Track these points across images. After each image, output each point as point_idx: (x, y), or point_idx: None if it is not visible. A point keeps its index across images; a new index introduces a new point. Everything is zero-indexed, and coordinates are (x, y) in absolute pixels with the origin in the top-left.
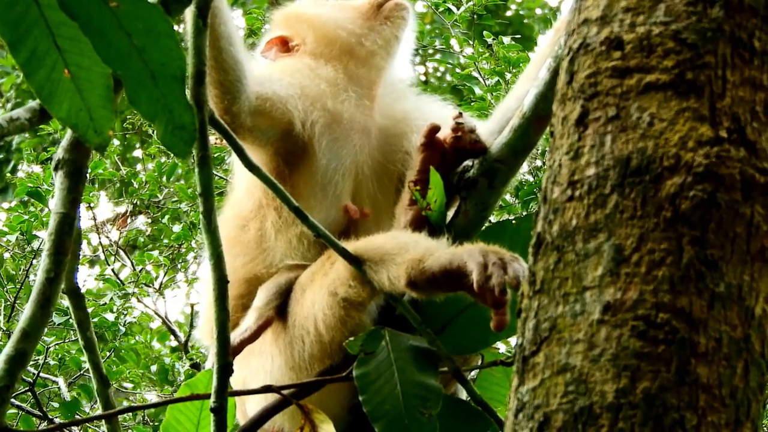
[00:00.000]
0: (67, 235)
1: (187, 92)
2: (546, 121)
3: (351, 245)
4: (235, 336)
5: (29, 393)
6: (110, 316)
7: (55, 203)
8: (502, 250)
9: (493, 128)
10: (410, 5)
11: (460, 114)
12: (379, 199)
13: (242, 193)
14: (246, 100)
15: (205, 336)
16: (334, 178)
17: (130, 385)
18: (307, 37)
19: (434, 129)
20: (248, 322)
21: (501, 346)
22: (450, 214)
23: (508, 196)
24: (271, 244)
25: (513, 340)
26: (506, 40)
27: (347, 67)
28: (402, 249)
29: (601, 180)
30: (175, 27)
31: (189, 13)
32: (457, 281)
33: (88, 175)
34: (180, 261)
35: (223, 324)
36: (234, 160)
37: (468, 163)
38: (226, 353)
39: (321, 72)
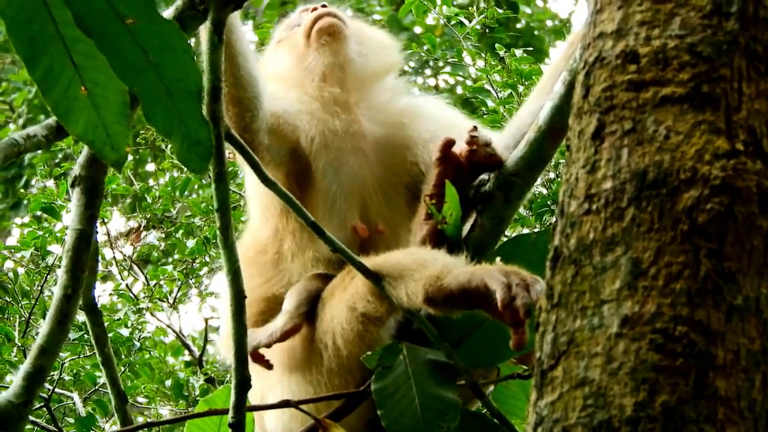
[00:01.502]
0: (84, 251)
1: (203, 108)
2: (561, 134)
3: (370, 261)
4: (263, 335)
5: (44, 409)
6: (125, 331)
7: (71, 219)
8: (522, 271)
9: (508, 142)
10: (337, 22)
11: (475, 128)
12: (391, 214)
13: (258, 220)
14: (264, 118)
15: (224, 351)
16: (337, 200)
17: (144, 400)
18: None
19: (449, 143)
20: (277, 323)
21: None
22: (466, 227)
23: (521, 209)
24: (287, 266)
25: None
26: (518, 52)
27: (317, 88)
28: (420, 265)
29: (618, 193)
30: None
31: (204, 29)
32: (475, 300)
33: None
34: (193, 276)
35: (241, 339)
36: (247, 185)
37: (484, 176)
38: (244, 368)
39: (308, 91)
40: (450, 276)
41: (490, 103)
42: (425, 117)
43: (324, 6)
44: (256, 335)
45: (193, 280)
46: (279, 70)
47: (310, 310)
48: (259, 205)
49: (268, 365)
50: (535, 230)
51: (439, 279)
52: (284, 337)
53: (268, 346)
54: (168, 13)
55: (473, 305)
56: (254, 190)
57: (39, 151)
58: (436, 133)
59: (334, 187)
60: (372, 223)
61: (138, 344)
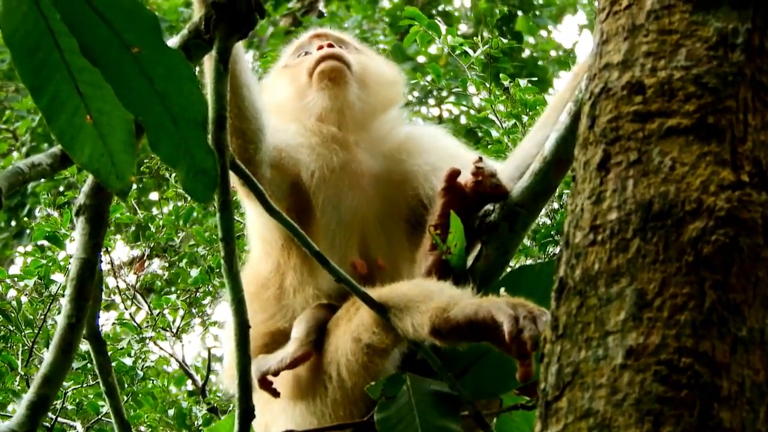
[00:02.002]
0: (89, 280)
1: (209, 137)
2: (566, 165)
3: (375, 292)
4: (272, 361)
5: None
6: (128, 361)
7: (76, 248)
8: (529, 303)
9: (512, 173)
10: (340, 67)
11: (481, 158)
12: (391, 248)
13: (259, 255)
14: (267, 150)
15: (228, 381)
16: (336, 236)
17: (147, 430)
18: (275, 117)
19: (455, 173)
20: (288, 349)
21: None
22: (471, 257)
23: (526, 240)
24: (290, 301)
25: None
26: (522, 82)
27: (317, 127)
28: (426, 297)
29: (623, 224)
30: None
31: (208, 58)
32: (482, 332)
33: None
34: (196, 305)
35: (245, 368)
36: (248, 219)
37: (489, 207)
38: (248, 398)
39: (307, 125)
40: (456, 308)
41: (495, 133)
42: (425, 148)
43: (331, 46)
44: (265, 361)
45: (197, 310)
46: (279, 99)
47: (318, 338)
48: (260, 239)
49: (275, 393)
50: (539, 261)
51: (446, 311)
52: (294, 364)
53: (277, 372)
54: (173, 41)
55: (480, 337)
56: (256, 224)
57: (42, 180)
58: (437, 164)
59: (333, 223)
60: (372, 258)
61: (141, 373)
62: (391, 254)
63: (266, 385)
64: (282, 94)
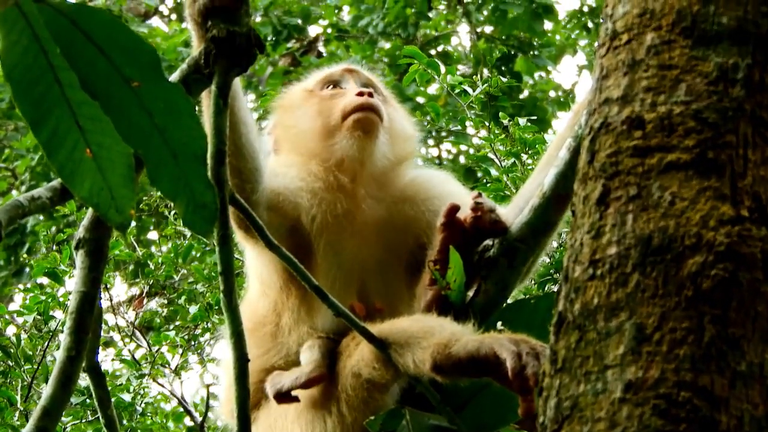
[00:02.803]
0: (88, 313)
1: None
2: (566, 200)
3: (375, 328)
4: (287, 379)
5: None
6: (127, 397)
7: (75, 282)
8: (531, 339)
9: (514, 213)
10: (376, 120)
11: (480, 194)
12: (389, 292)
13: (258, 294)
14: (263, 192)
15: (226, 414)
16: (336, 281)
17: None
18: (286, 141)
19: (454, 209)
20: (304, 369)
21: None
22: (470, 293)
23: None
24: (285, 339)
25: None
26: (522, 121)
27: (328, 169)
28: (427, 333)
29: (623, 259)
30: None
31: (207, 94)
32: (484, 368)
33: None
34: (195, 342)
35: (244, 402)
36: (246, 260)
37: (488, 242)
38: (247, 430)
39: (312, 169)
40: (458, 344)
41: (494, 172)
42: (429, 195)
43: (371, 95)
44: (280, 378)
45: (195, 346)
46: (301, 127)
47: (330, 363)
48: (258, 280)
49: (295, 399)
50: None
51: (447, 347)
52: (309, 384)
53: (291, 390)
54: (173, 76)
55: (482, 373)
56: (255, 265)
57: (42, 219)
58: (440, 210)
59: (333, 268)
60: (370, 301)
61: (140, 409)
62: (389, 297)
63: (284, 399)
64: (306, 124)
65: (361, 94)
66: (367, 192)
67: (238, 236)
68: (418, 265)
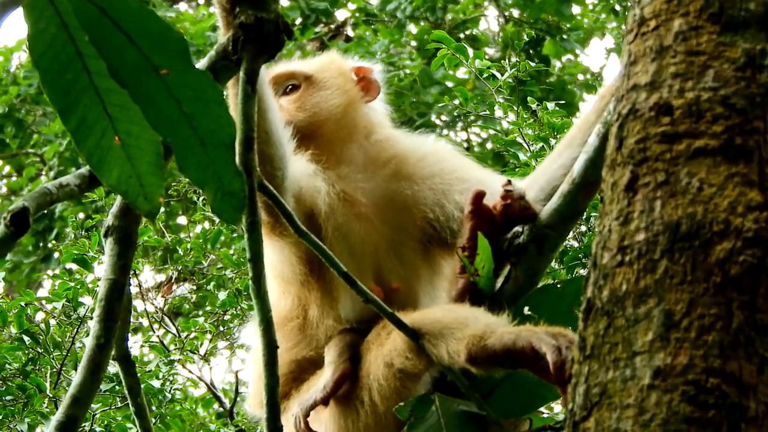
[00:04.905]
0: (117, 301)
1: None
2: (594, 187)
3: (407, 317)
4: (314, 393)
5: None
6: (156, 383)
7: (104, 270)
8: (569, 333)
9: (537, 195)
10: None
11: (509, 181)
12: (405, 270)
13: (278, 294)
14: (291, 179)
15: (254, 406)
16: (350, 265)
17: None
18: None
19: (480, 195)
20: (325, 376)
21: (556, 407)
22: (500, 280)
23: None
24: (314, 331)
25: (555, 405)
26: (550, 105)
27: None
28: (461, 324)
29: (651, 245)
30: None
31: (233, 82)
32: (520, 360)
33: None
34: (224, 328)
35: (273, 389)
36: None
37: (518, 229)
38: (276, 419)
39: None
40: (494, 336)
41: (522, 156)
42: (425, 173)
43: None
44: (307, 396)
45: (225, 331)
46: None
47: (352, 355)
48: (278, 278)
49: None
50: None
51: (483, 339)
52: (337, 385)
53: (325, 401)
54: (201, 63)
55: (517, 365)
56: (274, 262)
57: (69, 204)
58: (445, 189)
59: (345, 254)
60: (386, 282)
61: (169, 396)
62: (405, 275)
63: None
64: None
65: None
66: (351, 171)
67: (263, 231)
68: (429, 239)
